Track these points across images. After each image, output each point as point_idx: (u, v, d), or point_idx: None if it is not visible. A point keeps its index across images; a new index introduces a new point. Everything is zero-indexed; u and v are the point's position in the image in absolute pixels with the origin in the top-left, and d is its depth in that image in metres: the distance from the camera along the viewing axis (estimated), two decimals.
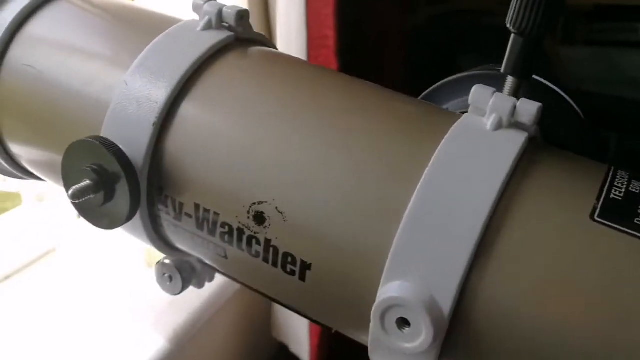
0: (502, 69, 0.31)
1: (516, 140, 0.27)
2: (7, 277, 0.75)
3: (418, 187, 0.26)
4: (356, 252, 0.27)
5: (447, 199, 0.25)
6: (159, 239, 0.35)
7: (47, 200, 0.82)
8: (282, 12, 0.72)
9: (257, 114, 0.30)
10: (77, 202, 0.30)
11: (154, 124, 0.31)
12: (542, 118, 0.28)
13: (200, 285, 0.41)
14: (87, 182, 0.30)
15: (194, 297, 0.73)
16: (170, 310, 0.70)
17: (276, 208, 0.29)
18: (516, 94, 0.31)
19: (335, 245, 0.28)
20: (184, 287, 0.39)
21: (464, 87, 0.40)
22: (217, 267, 0.34)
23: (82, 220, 0.75)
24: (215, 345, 0.79)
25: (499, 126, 0.27)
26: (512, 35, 0.30)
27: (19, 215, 0.81)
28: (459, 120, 0.28)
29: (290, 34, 0.71)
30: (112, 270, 0.76)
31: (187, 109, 0.31)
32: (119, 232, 0.77)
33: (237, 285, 0.65)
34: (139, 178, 0.30)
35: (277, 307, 0.86)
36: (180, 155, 0.31)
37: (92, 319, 0.68)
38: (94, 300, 0.71)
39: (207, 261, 0.35)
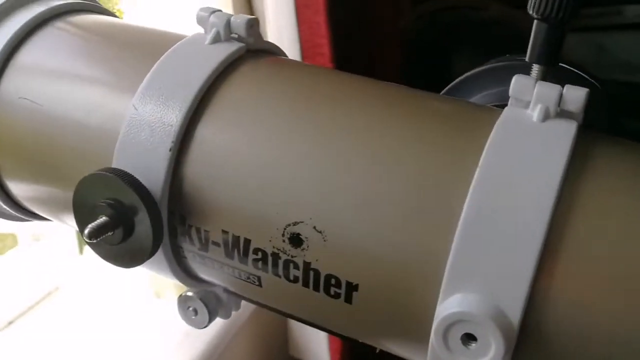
0: (527, 58, 0.30)
1: (568, 132, 0.25)
2: (10, 323, 0.72)
3: (470, 191, 0.24)
4: (408, 267, 0.25)
5: (504, 201, 0.23)
6: (183, 271, 0.32)
7: (44, 239, 0.79)
8: (272, 23, 0.70)
9: (282, 128, 0.28)
10: (94, 241, 0.27)
11: (170, 149, 0.28)
12: None
13: (227, 315, 0.38)
14: (104, 218, 0.28)
15: (210, 325, 0.70)
16: (187, 341, 0.67)
17: (314, 227, 0.26)
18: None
19: (384, 262, 0.25)
20: (210, 320, 0.37)
21: (485, 81, 0.38)
22: (249, 297, 0.32)
23: (85, 256, 0.72)
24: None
25: (546, 117, 0.25)
26: (535, 22, 0.29)
27: (16, 256, 0.78)
28: (501, 115, 0.26)
29: (282, 44, 0.69)
30: (121, 304, 0.74)
31: (204, 130, 0.29)
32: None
33: (251, 307, 0.62)
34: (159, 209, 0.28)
35: (293, 324, 0.84)
36: (201, 180, 0.28)
37: (107, 356, 0.65)
38: (105, 337, 0.68)
39: (237, 291, 0.32)
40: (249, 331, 0.78)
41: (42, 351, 0.66)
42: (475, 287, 0.23)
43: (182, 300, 0.37)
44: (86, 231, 0.27)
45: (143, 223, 0.28)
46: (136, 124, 0.29)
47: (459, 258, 0.23)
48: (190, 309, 0.37)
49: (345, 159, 0.27)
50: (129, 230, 0.28)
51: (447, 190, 0.25)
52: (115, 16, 0.40)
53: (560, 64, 0.39)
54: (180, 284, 0.71)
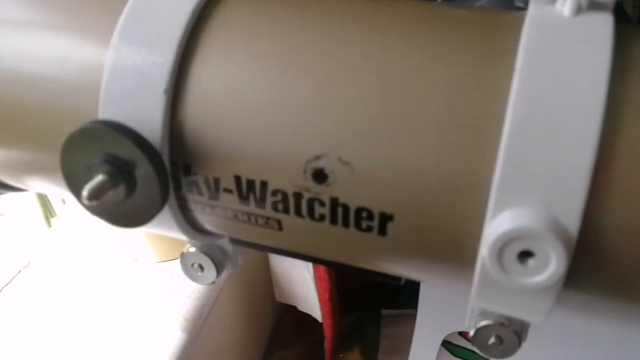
0: None
1: (605, 24, 0.23)
2: None
3: (512, 98, 0.21)
4: (448, 188, 0.23)
5: (550, 104, 0.21)
6: (189, 225, 0.30)
7: (8, 214, 0.74)
8: None
9: (289, 52, 0.25)
10: (94, 203, 0.24)
11: (165, 91, 0.25)
12: None
13: (234, 267, 0.36)
14: (101, 176, 0.25)
15: (194, 284, 0.68)
16: (173, 301, 0.65)
17: (339, 159, 0.24)
18: None
19: (422, 186, 0.23)
20: (218, 274, 0.35)
21: None
22: (266, 243, 0.30)
23: (53, 229, 0.68)
24: (226, 323, 0.75)
25: (578, 10, 0.23)
26: None
27: None
28: (528, 15, 0.24)
29: None
30: (98, 272, 0.71)
31: (201, 66, 0.26)
32: (96, 232, 0.71)
33: None
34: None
35: (277, 271, 0.83)
36: (204, 124, 0.26)
37: (99, 326, 0.62)
38: (88, 307, 0.65)
39: (252, 239, 0.30)
40: (235, 284, 0.76)
41: (23, 328, 0.63)
42: (528, 200, 0.21)
43: (186, 258, 0.35)
44: (85, 192, 0.24)
45: (146, 176, 0.25)
46: (120, 69, 0.26)
47: (508, 171, 0.21)
48: (195, 265, 0.35)
49: (365, 78, 0.24)
50: (131, 186, 0.25)
51: (485, 100, 0.23)
52: None
53: None
54: (161, 247, 0.69)
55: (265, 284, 0.87)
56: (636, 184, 0.21)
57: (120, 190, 0.25)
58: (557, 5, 0.24)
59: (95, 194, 0.24)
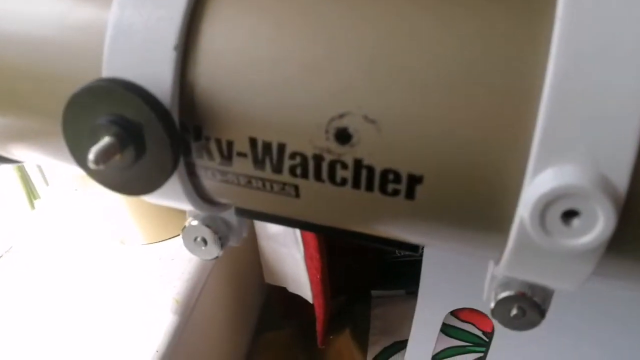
0: None
1: None
2: None
3: (554, 43, 0.20)
4: (485, 145, 0.22)
5: (596, 50, 0.19)
6: (197, 195, 0.28)
7: None
8: None
9: (306, 1, 0.24)
10: (101, 167, 0.23)
11: (175, 48, 0.23)
12: None
13: (237, 241, 0.35)
14: (109, 139, 0.23)
15: (185, 262, 0.66)
16: (165, 283, 0.63)
17: (365, 117, 0.22)
18: None
19: (455, 144, 0.22)
20: (223, 247, 0.33)
21: None
22: (279, 212, 0.28)
23: (38, 211, 0.66)
24: (216, 305, 0.74)
25: None
26: None
27: None
28: None
29: None
30: (84, 256, 0.68)
31: (212, 20, 0.24)
32: (81, 214, 0.68)
33: None
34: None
35: (265, 254, 0.81)
36: (217, 83, 0.24)
37: (88, 310, 0.60)
38: (76, 291, 0.63)
39: (265, 208, 0.28)
40: (224, 265, 0.74)
41: (7, 313, 0.61)
42: (573, 156, 0.20)
43: (188, 231, 0.33)
44: (91, 156, 0.22)
45: (156, 138, 0.23)
46: (125, 24, 0.24)
47: (551, 125, 0.20)
48: (198, 239, 0.33)
49: (394, 28, 0.22)
50: (139, 149, 0.24)
51: (524, 47, 0.21)
52: None
53: None
54: (148, 228, 0.67)
55: (253, 266, 0.85)
56: None
57: (129, 153, 0.23)
58: None
59: (101, 158, 0.23)
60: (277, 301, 0.93)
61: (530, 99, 0.21)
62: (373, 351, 0.80)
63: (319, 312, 0.78)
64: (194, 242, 0.34)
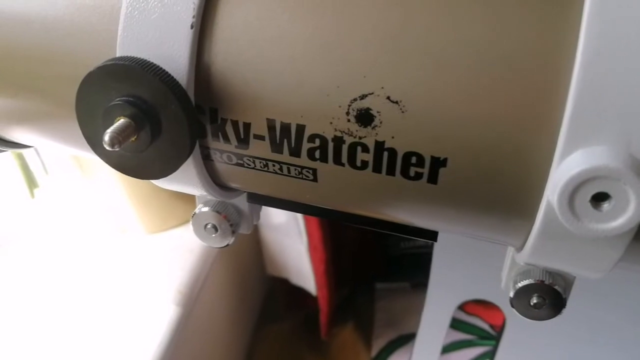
0: None
1: None
2: None
3: (585, 17, 0.19)
4: (512, 127, 0.21)
5: (629, 24, 0.19)
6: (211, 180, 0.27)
7: None
8: None
9: None
10: (117, 149, 0.22)
11: (192, 26, 0.23)
12: None
13: (248, 228, 0.34)
14: (124, 120, 0.22)
15: (187, 252, 0.66)
16: (168, 274, 0.63)
17: (388, 98, 0.22)
18: None
19: (480, 125, 0.21)
20: (234, 234, 0.33)
21: None
22: (295, 198, 0.27)
23: (38, 199, 0.65)
24: (218, 296, 0.73)
25: None
26: None
27: None
28: None
29: None
30: (87, 245, 0.68)
31: None
32: (81, 203, 0.68)
33: None
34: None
35: (268, 245, 0.81)
36: (234, 63, 0.23)
37: (91, 301, 0.60)
38: (78, 281, 0.62)
39: (280, 194, 0.28)
40: (226, 256, 0.74)
41: (7, 303, 0.60)
42: (604, 137, 0.19)
43: (199, 218, 0.32)
44: (106, 137, 0.22)
45: (172, 119, 0.23)
46: (141, 1, 0.23)
47: (581, 105, 0.19)
48: (209, 226, 0.33)
49: (418, 5, 0.22)
50: (156, 131, 0.23)
51: (553, 22, 0.20)
52: None
53: None
54: (150, 218, 0.66)
55: (255, 256, 0.85)
56: None
57: (145, 135, 0.23)
58: None
59: (117, 139, 0.22)
60: (280, 293, 0.92)
61: (560, 79, 0.20)
62: (378, 344, 0.79)
63: (323, 304, 0.77)
64: (204, 229, 0.33)
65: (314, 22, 0.23)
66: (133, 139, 0.23)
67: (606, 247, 0.21)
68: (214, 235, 0.33)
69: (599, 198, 0.20)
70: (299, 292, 0.82)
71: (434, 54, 0.21)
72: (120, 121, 0.22)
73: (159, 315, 0.58)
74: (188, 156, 0.23)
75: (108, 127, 0.22)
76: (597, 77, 0.19)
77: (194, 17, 0.23)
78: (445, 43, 0.21)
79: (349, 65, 0.22)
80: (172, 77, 0.22)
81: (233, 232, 0.33)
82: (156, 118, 0.23)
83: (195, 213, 0.33)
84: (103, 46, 0.25)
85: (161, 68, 0.22)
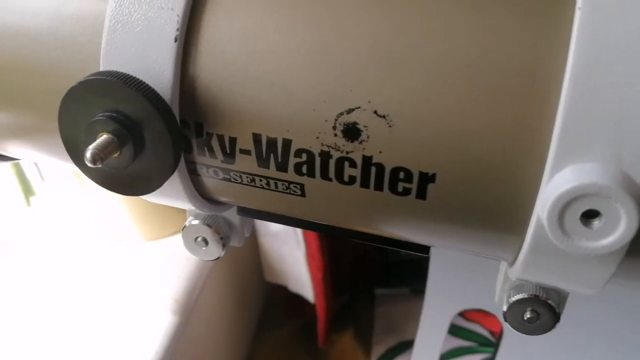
0: None
1: None
2: None
3: (575, 31, 0.19)
4: (501, 142, 0.21)
5: (620, 38, 0.18)
6: (198, 194, 0.27)
7: None
8: None
9: None
10: (99, 166, 0.22)
11: (176, 39, 0.22)
12: None
13: (240, 240, 0.33)
14: (107, 136, 0.22)
15: (184, 260, 0.65)
16: (164, 282, 0.62)
17: (375, 112, 0.21)
18: None
19: (469, 140, 0.21)
20: (224, 248, 0.32)
21: None
22: (284, 212, 0.27)
23: (34, 207, 0.64)
24: (216, 304, 0.73)
25: None
26: None
27: None
28: None
29: None
30: (85, 254, 0.67)
31: (214, 10, 0.23)
32: (77, 212, 0.67)
33: None
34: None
35: (266, 251, 0.80)
36: (219, 77, 0.23)
37: (86, 310, 0.60)
38: (78, 290, 0.62)
39: (268, 208, 0.27)
40: (223, 263, 0.73)
41: (3, 312, 0.60)
42: (595, 153, 0.19)
43: (189, 231, 0.32)
44: (88, 154, 0.21)
45: (156, 135, 0.22)
46: (124, 14, 0.23)
47: (571, 120, 0.19)
48: (199, 239, 0.32)
49: (405, 18, 0.21)
50: (139, 147, 0.23)
51: (543, 36, 0.20)
52: None
53: None
54: (146, 226, 0.66)
55: (254, 263, 0.85)
56: None
57: (127, 151, 0.22)
58: None
59: (99, 156, 0.22)
60: (279, 300, 0.92)
61: (549, 94, 0.20)
62: (377, 351, 0.79)
63: (320, 312, 0.77)
64: (195, 242, 0.32)
65: (300, 36, 0.22)
66: (116, 154, 0.22)
67: (598, 264, 0.21)
68: (204, 248, 0.32)
69: (590, 215, 0.20)
70: (298, 299, 0.81)
71: (421, 69, 0.21)
72: (103, 137, 0.22)
73: (156, 323, 0.57)
74: (172, 172, 0.23)
75: (90, 143, 0.22)
76: (586, 93, 0.19)
77: (177, 30, 0.22)
78: (433, 57, 0.21)
79: (335, 79, 0.22)
80: (155, 92, 0.22)
81: (224, 245, 0.32)
82: (139, 134, 0.22)
83: (185, 226, 0.32)
84: (88, 59, 0.24)
85: (144, 83, 0.22)
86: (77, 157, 0.24)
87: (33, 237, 0.70)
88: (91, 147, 0.22)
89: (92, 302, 0.60)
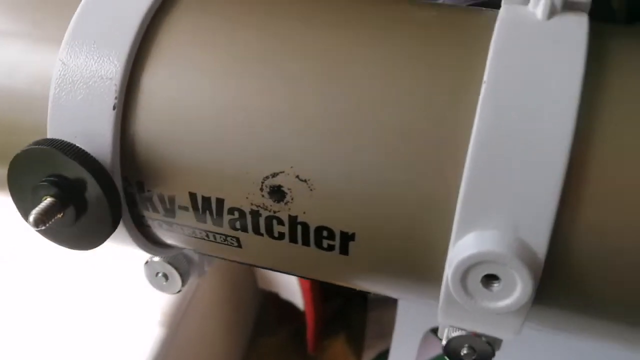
0: None
1: (579, 28, 0.21)
2: None
3: (478, 111, 0.20)
4: (410, 209, 0.22)
5: (518, 118, 0.20)
6: (148, 240, 0.29)
7: None
8: None
9: (242, 62, 0.24)
10: (42, 228, 0.23)
11: (114, 107, 0.24)
12: None
13: (201, 274, 0.35)
14: (49, 199, 0.24)
15: None
16: (152, 294, 0.64)
17: (297, 177, 0.23)
18: None
19: (383, 205, 0.22)
20: (184, 283, 0.34)
21: None
22: (226, 257, 0.29)
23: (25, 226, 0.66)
24: (207, 314, 0.74)
25: (552, 13, 0.22)
26: None
27: None
28: (499, 17, 0.22)
29: None
30: (72, 266, 0.69)
31: (151, 79, 0.25)
32: None
33: None
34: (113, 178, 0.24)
35: None
36: (156, 139, 0.24)
37: (72, 322, 0.61)
38: (64, 302, 0.64)
39: (213, 253, 0.29)
40: (214, 272, 0.75)
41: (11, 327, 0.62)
42: (493, 222, 0.20)
43: (150, 267, 0.34)
44: (31, 218, 0.23)
45: (96, 198, 0.24)
46: (68, 83, 0.25)
47: (472, 191, 0.20)
48: (160, 275, 0.34)
49: (323, 90, 0.23)
50: (80, 208, 0.24)
51: (449, 113, 0.21)
52: None
53: None
54: None
55: (248, 270, 0.86)
56: (608, 203, 0.20)
57: (70, 212, 0.24)
58: (530, 7, 0.22)
59: (42, 219, 0.23)
60: (272, 306, 0.93)
61: (455, 164, 0.21)
62: (368, 355, 0.80)
63: (310, 320, 0.79)
64: (156, 277, 0.34)
65: (230, 104, 0.24)
66: (60, 215, 0.24)
67: (506, 317, 0.22)
68: (164, 282, 0.34)
69: (491, 277, 0.21)
70: (291, 306, 0.83)
71: (338, 137, 0.22)
72: (46, 201, 0.24)
73: (143, 337, 0.59)
74: (113, 230, 0.25)
75: (36, 206, 0.24)
76: (484, 168, 0.20)
77: (116, 98, 0.24)
78: (347, 130, 0.22)
79: (262, 144, 0.23)
80: (93, 158, 0.23)
81: (183, 281, 0.34)
82: (80, 196, 0.24)
83: (147, 261, 0.34)
84: (40, 119, 0.26)
85: (81, 151, 0.23)
86: (25, 216, 0.25)
87: (21, 249, 0.71)
88: (34, 211, 0.23)
89: (77, 314, 0.62)
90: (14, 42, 0.27)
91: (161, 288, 0.34)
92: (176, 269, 0.33)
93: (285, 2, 0.26)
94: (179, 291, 0.35)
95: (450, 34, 0.23)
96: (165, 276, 0.34)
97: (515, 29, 0.22)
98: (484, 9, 0.25)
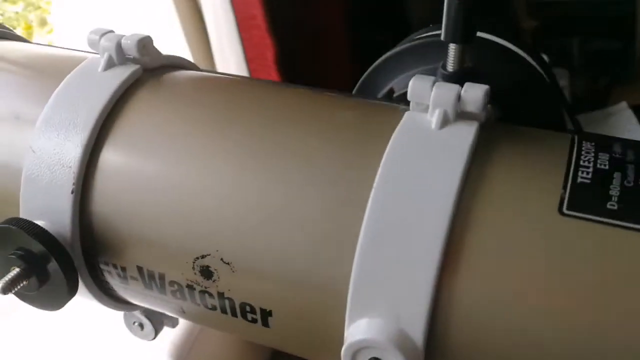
0: (442, 37, 0.28)
1: (466, 138, 0.24)
2: None
3: (367, 209, 0.23)
4: (315, 292, 0.25)
5: (400, 219, 0.23)
6: (112, 300, 0.32)
7: None
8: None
9: (176, 154, 0.28)
10: (8, 294, 0.27)
11: (72, 192, 0.28)
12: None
13: (174, 324, 0.39)
14: (16, 270, 0.28)
15: None
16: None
17: (221, 259, 0.26)
18: (462, 61, 0.29)
19: (292, 288, 0.26)
20: (157, 332, 0.38)
21: (408, 60, 0.38)
22: (179, 318, 0.32)
23: None
24: (216, 343, 0.78)
25: (445, 123, 0.25)
26: None
27: None
28: (400, 123, 0.25)
29: (217, 17, 0.67)
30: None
31: (106, 165, 0.28)
32: None
33: None
34: (70, 253, 0.28)
35: None
36: (108, 217, 0.28)
37: (80, 354, 0.65)
38: (71, 332, 0.67)
39: (167, 313, 0.32)
40: None
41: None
42: (378, 311, 0.23)
43: (127, 317, 0.37)
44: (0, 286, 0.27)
45: (54, 270, 0.28)
46: (36, 168, 0.29)
47: (359, 281, 0.23)
48: (136, 324, 0.37)
49: (241, 188, 0.26)
50: (43, 277, 0.28)
51: (345, 209, 0.25)
52: (24, 39, 0.39)
53: (482, 35, 0.38)
54: None
55: None
56: (478, 303, 0.23)
57: (34, 281, 0.28)
58: (428, 116, 0.25)
59: (9, 287, 0.27)
60: None
61: (349, 257, 0.24)
62: None
63: None
64: (132, 326, 0.38)
65: (168, 190, 0.27)
66: (25, 282, 0.28)
67: None
68: (141, 331, 0.38)
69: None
70: None
71: (254, 230, 0.26)
72: (14, 271, 0.28)
73: None
74: (72, 296, 0.28)
75: (6, 274, 0.28)
76: (371, 261, 0.23)
77: (74, 184, 0.28)
78: (260, 222, 0.26)
79: (192, 230, 0.27)
80: (53, 237, 0.27)
81: (156, 331, 0.38)
82: (43, 268, 0.28)
83: (124, 313, 0.38)
84: (13, 202, 0.30)
85: (42, 231, 0.27)
86: None
87: None
88: (2, 280, 0.27)
89: (88, 344, 0.66)
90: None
91: (138, 335, 0.38)
92: (150, 320, 0.37)
93: (220, 98, 0.29)
94: (153, 338, 0.38)
95: (357, 138, 0.26)
96: (141, 325, 0.38)
97: (409, 136, 0.24)
98: (400, 106, 0.28)
